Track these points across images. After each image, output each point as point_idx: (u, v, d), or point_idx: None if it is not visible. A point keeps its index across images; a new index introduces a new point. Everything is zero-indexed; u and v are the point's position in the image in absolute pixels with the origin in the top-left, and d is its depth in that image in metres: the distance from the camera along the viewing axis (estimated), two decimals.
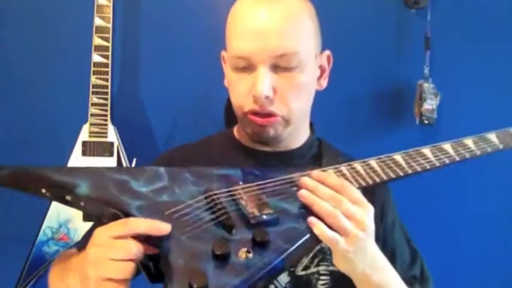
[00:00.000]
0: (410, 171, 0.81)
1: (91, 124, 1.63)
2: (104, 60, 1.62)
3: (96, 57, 1.62)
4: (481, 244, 1.80)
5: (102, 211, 0.71)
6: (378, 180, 0.79)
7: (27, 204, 1.72)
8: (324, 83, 0.94)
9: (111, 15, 1.62)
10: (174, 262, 0.65)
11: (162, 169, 0.76)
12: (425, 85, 1.70)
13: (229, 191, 0.75)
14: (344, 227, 0.70)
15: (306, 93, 0.88)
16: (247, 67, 0.84)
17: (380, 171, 0.80)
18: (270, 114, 0.84)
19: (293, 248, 0.70)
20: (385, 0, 1.77)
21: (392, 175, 0.80)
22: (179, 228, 0.68)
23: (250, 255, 0.67)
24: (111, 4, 1.62)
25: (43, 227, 1.59)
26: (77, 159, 1.62)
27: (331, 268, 0.86)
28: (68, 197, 0.70)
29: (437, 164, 0.84)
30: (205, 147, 1.00)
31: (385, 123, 1.77)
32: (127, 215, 0.69)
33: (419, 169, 0.82)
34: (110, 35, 1.62)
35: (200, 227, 0.70)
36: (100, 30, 1.61)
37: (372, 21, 1.76)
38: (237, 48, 0.84)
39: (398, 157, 0.83)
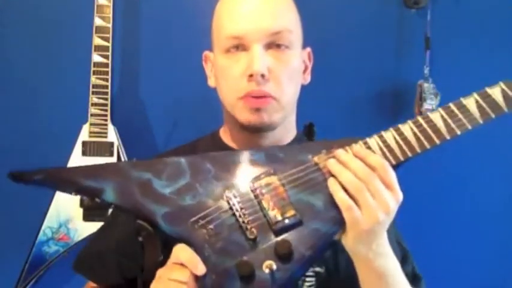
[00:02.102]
0: (448, 137, 0.75)
1: (91, 124, 1.63)
2: (104, 60, 1.62)
3: (96, 57, 1.62)
4: (481, 244, 1.80)
5: (130, 216, 0.74)
6: (410, 155, 0.74)
7: (27, 204, 1.72)
8: (308, 78, 0.95)
9: (111, 15, 1.62)
10: (201, 281, 0.67)
11: (183, 161, 0.76)
12: (425, 85, 1.70)
13: (251, 190, 0.74)
14: (367, 202, 0.69)
15: (296, 78, 0.89)
16: (241, 49, 0.84)
17: (414, 143, 0.74)
18: (265, 96, 0.84)
19: (316, 253, 0.71)
20: (385, 0, 1.77)
21: (428, 145, 0.74)
22: (204, 239, 0.70)
23: (274, 267, 0.68)
24: (111, 4, 1.62)
25: (43, 227, 1.59)
26: (77, 159, 1.61)
27: (316, 269, 0.86)
28: (97, 199, 0.74)
29: (481, 121, 0.76)
30: (192, 148, 0.99)
31: (385, 123, 1.75)
32: (153, 224, 0.71)
33: (459, 132, 0.75)
34: (110, 35, 1.62)
35: (225, 238, 0.70)
36: (100, 30, 1.61)
37: (372, 21, 1.76)
38: (231, 29, 0.84)
39: (436, 117, 0.75)
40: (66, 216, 1.60)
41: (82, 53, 1.63)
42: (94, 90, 1.62)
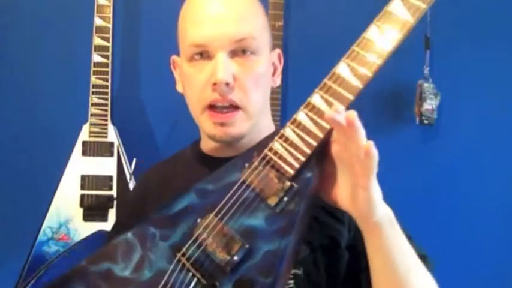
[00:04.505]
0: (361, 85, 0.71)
1: (91, 124, 1.63)
2: (104, 60, 1.62)
3: (96, 57, 1.62)
4: (480, 244, 1.80)
5: None
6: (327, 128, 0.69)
7: (27, 204, 1.72)
8: (278, 80, 0.93)
9: (111, 15, 1.62)
10: None
11: (129, 235, 0.76)
12: (425, 85, 1.70)
13: (194, 241, 0.72)
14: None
15: (264, 84, 0.87)
16: (205, 56, 0.82)
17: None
18: (230, 106, 0.81)
19: (278, 275, 0.68)
20: (384, 1, 1.77)
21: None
22: None
23: None
24: (111, 4, 1.62)
25: (43, 227, 1.59)
26: (77, 159, 1.61)
27: (294, 271, 0.83)
28: None
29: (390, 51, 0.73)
30: (173, 163, 0.98)
31: (385, 123, 1.77)
32: None
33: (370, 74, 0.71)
34: (110, 35, 1.62)
35: None
36: (100, 30, 1.61)
37: (372, 21, 1.76)
38: (195, 36, 0.82)
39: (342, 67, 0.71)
40: (66, 216, 1.60)
41: (82, 53, 1.63)
42: (94, 90, 1.62)
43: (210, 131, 0.84)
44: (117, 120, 1.66)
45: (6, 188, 1.76)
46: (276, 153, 0.71)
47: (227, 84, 0.80)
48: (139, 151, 1.67)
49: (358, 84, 0.72)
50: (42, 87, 1.75)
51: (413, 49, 1.75)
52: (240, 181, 0.72)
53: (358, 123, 0.67)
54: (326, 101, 0.70)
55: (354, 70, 0.73)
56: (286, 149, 0.70)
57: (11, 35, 1.74)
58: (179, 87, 0.95)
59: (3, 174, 1.76)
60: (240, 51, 0.82)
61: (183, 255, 0.72)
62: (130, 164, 1.63)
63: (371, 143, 0.65)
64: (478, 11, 1.77)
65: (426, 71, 1.72)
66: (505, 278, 1.83)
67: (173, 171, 0.95)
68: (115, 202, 1.60)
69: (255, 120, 0.85)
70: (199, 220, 0.72)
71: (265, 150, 0.72)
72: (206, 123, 0.84)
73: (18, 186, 1.75)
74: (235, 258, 0.69)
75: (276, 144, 0.71)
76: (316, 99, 0.71)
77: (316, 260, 0.81)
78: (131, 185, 1.61)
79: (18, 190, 1.75)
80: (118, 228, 0.96)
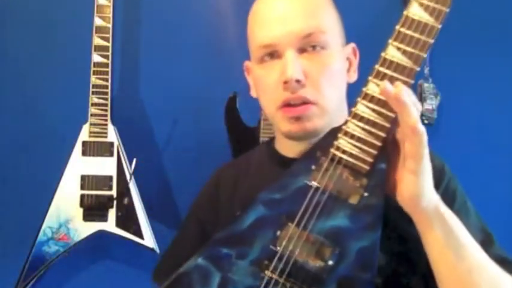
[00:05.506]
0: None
1: (91, 124, 1.63)
2: (104, 60, 1.62)
3: (96, 57, 1.61)
4: None
5: None
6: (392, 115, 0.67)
7: (27, 204, 1.72)
8: (354, 75, 0.90)
9: (111, 15, 1.62)
10: None
11: (200, 260, 0.74)
12: (425, 85, 1.70)
13: (281, 254, 0.70)
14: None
15: (338, 80, 0.85)
16: (275, 56, 0.81)
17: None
18: (303, 103, 0.79)
19: (375, 268, 0.68)
20: (385, 0, 1.77)
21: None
22: None
23: None
24: (111, 4, 1.62)
25: (43, 227, 1.59)
26: (77, 159, 1.61)
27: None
28: None
29: (438, 26, 0.70)
30: (245, 163, 0.97)
31: None
32: None
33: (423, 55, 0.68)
34: (110, 35, 1.62)
35: None
36: (100, 30, 1.61)
37: (372, 21, 1.76)
38: (262, 37, 0.82)
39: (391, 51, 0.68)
40: (66, 216, 1.60)
41: (82, 53, 1.63)
42: (94, 90, 1.62)
43: (285, 128, 0.82)
44: (117, 120, 1.66)
45: (6, 188, 1.76)
46: (344, 151, 0.69)
47: (298, 81, 0.78)
48: (139, 151, 1.67)
49: (413, 66, 0.70)
50: (42, 87, 1.75)
51: None
52: (314, 187, 0.70)
53: (405, 98, 0.64)
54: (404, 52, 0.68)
55: (405, 52, 0.71)
56: (355, 146, 0.68)
57: (11, 35, 1.74)
58: (253, 93, 0.92)
59: (3, 174, 1.76)
60: (309, 46, 0.80)
61: (273, 270, 0.70)
62: (130, 164, 1.63)
63: (417, 119, 0.63)
64: (478, 11, 1.77)
65: (426, 71, 1.72)
66: None
67: (246, 171, 0.94)
68: (115, 202, 1.60)
69: (331, 116, 0.82)
70: (279, 232, 0.71)
71: (332, 150, 0.69)
72: (282, 122, 0.82)
73: (18, 186, 1.75)
74: (330, 262, 0.68)
75: (342, 142, 0.69)
76: (373, 88, 0.68)
77: (394, 268, 0.79)
78: (131, 185, 1.61)
79: (18, 190, 1.75)
80: (194, 218, 0.97)
